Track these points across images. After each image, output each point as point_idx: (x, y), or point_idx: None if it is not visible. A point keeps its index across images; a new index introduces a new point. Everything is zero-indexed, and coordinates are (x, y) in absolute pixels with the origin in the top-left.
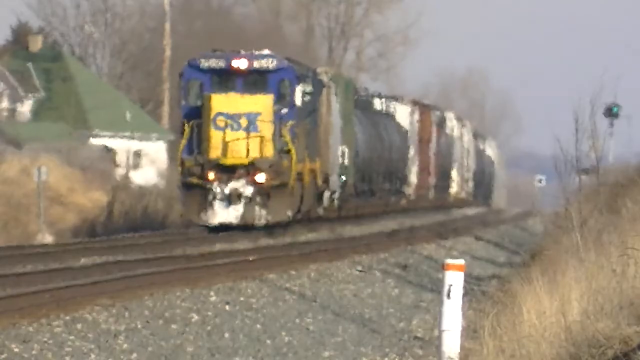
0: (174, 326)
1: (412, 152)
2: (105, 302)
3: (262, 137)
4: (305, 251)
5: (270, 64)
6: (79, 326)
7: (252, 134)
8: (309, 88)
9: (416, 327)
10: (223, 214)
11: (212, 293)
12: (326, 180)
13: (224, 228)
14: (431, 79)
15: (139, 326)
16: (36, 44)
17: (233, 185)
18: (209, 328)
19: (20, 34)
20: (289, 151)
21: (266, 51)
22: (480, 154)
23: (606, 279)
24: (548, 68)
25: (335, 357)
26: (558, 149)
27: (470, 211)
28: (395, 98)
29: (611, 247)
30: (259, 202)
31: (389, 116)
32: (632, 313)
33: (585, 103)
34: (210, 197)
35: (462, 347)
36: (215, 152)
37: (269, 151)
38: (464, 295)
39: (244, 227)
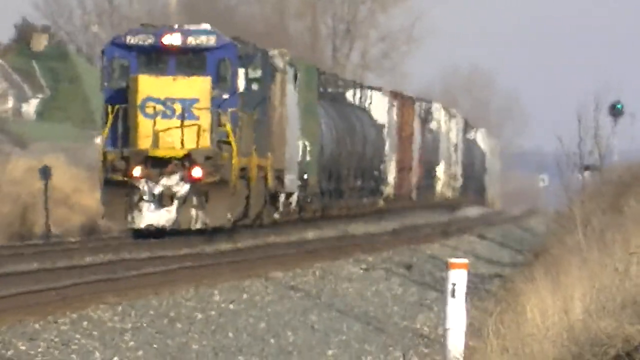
0: (179, 325)
1: (389, 148)
2: (112, 300)
3: (198, 126)
4: (308, 249)
5: (207, 40)
6: (85, 324)
7: (187, 122)
8: (257, 72)
9: (420, 325)
10: (152, 216)
11: (216, 292)
12: (280, 179)
13: (154, 233)
14: (435, 77)
15: (145, 325)
16: (40, 42)
17: (165, 182)
18: (213, 327)
19: (25, 33)
20: (229, 143)
21: (205, 26)
22: (470, 147)
23: (609, 278)
24: (554, 67)
25: (339, 355)
26: (560, 148)
27: (474, 211)
28: (372, 88)
29: (614, 246)
30: (195, 203)
31: (364, 108)
32: (635, 312)
33: (589, 102)
34: (137, 196)
35: (466, 346)
36: (144, 143)
37: (206, 142)
38: (468, 294)
39: (178, 232)
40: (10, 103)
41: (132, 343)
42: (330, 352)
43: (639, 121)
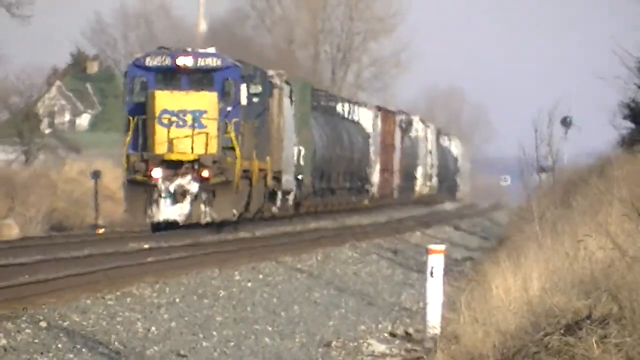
0: (205, 300)
1: (374, 153)
2: (150, 279)
3: (207, 134)
4: (313, 237)
5: (214, 62)
6: (128, 300)
7: (197, 130)
8: (257, 88)
9: (405, 300)
10: (168, 211)
11: (236, 273)
12: (278, 179)
13: (168, 226)
14: (418, 95)
15: (177, 300)
16: (93, 68)
17: (178, 182)
18: (234, 302)
19: (79, 60)
20: (233, 148)
21: (212, 49)
22: (444, 152)
23: (560, 261)
24: (516, 86)
25: (338, 325)
26: (521, 153)
27: (449, 206)
28: (359, 103)
29: (565, 235)
30: (204, 200)
31: (352, 120)
32: (582, 289)
33: (543, 115)
34: (155, 194)
35: (443, 317)
36: (160, 148)
37: (214, 148)
38: (444, 274)
39: (189, 225)
40: (66, 117)
41: (166, 315)
42: (330, 323)
43: (585, 131)
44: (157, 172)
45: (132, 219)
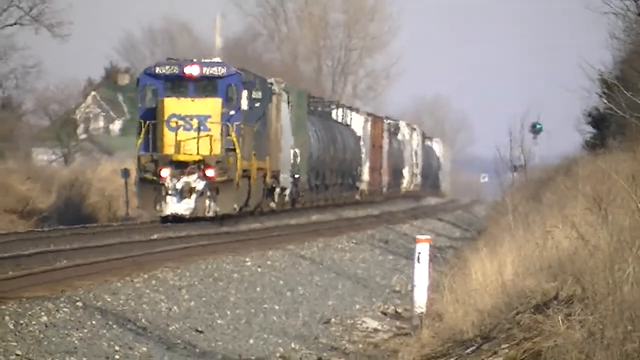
0: (220, 283)
1: (364, 154)
2: (172, 265)
3: (211, 137)
4: (315, 228)
5: (219, 70)
6: (153, 282)
7: (202, 133)
8: (258, 94)
9: (395, 283)
10: (176, 206)
11: (248, 259)
12: (276, 178)
13: (176, 219)
14: (407, 103)
15: (196, 282)
16: (124, 80)
17: (185, 179)
18: (246, 284)
19: (112, 73)
20: (234, 150)
21: (216, 59)
22: (428, 152)
23: (531, 249)
24: (493, 95)
25: (336, 304)
26: (497, 154)
27: (434, 201)
28: (351, 109)
29: (535, 226)
30: (209, 196)
31: (345, 124)
32: (550, 273)
33: (517, 121)
34: (164, 191)
35: (428, 298)
36: (169, 150)
37: (217, 149)
38: (430, 260)
39: (195, 219)
40: (100, 123)
41: (187, 296)
42: (329, 302)
43: (553, 136)
44: (165, 172)
45: (144, 212)
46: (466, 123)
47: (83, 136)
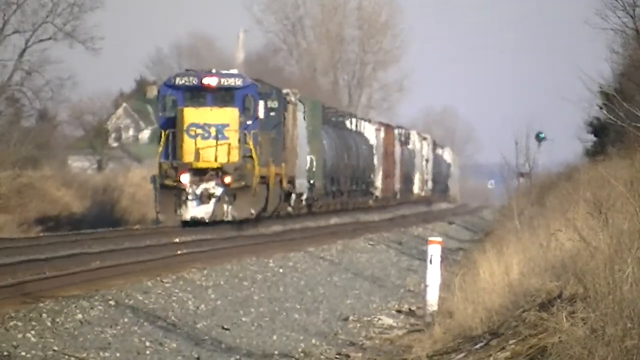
0: (245, 283)
1: (377, 161)
2: (199, 266)
3: (229, 145)
4: (333, 231)
5: (236, 81)
6: (181, 282)
7: (220, 141)
8: (274, 104)
9: (409, 283)
10: (195, 210)
11: (270, 260)
12: (292, 183)
13: (195, 223)
14: (418, 114)
15: (222, 282)
16: (152, 92)
17: (204, 186)
18: (268, 284)
19: (141, 85)
20: (252, 157)
21: (234, 70)
22: (438, 160)
23: (536, 250)
24: (499, 106)
25: (354, 303)
26: (504, 162)
27: (444, 205)
28: (364, 119)
29: (539, 229)
30: (227, 201)
31: (359, 133)
32: (554, 273)
33: (522, 130)
34: (184, 196)
35: (440, 297)
36: (188, 157)
37: (235, 157)
38: (441, 261)
39: (213, 223)
40: (131, 132)
41: (213, 295)
42: (348, 301)
43: (556, 144)
44: (185, 178)
45: (164, 217)
46: (473, 132)
47: (115, 145)
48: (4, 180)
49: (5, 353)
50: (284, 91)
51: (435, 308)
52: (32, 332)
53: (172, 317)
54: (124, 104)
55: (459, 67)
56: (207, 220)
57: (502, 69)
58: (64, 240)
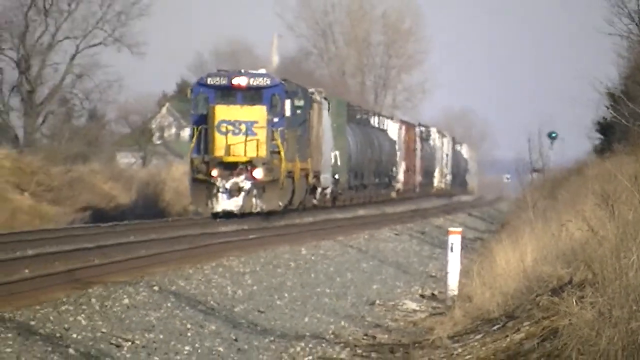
0: (279, 269)
1: (399, 157)
2: (237, 254)
3: (257, 140)
4: (361, 222)
5: (264, 81)
6: (220, 269)
7: (249, 137)
8: (300, 102)
9: (431, 269)
10: (225, 203)
11: (303, 249)
12: (318, 177)
13: (225, 215)
14: (439, 113)
15: (258, 269)
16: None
17: (234, 180)
18: (301, 271)
19: (182, 87)
20: (279, 152)
21: (262, 70)
22: (457, 156)
23: (548, 239)
24: (515, 105)
25: (380, 288)
26: (518, 158)
27: (463, 198)
28: (388, 117)
29: (551, 220)
30: (255, 194)
31: (382, 130)
32: (565, 260)
33: (535, 129)
34: (215, 189)
35: (459, 282)
36: (219, 152)
37: (263, 152)
38: (461, 249)
39: (242, 215)
40: (173, 130)
41: (250, 281)
42: (374, 286)
43: (567, 142)
44: (216, 172)
45: (196, 210)
46: (490, 130)
47: (158, 142)
48: (57, 174)
49: (57, 335)
50: (310, 90)
51: (455, 293)
52: (82, 315)
53: (212, 302)
54: (167, 105)
55: (477, 70)
56: (236, 212)
57: (517, 72)
58: (111, 231)
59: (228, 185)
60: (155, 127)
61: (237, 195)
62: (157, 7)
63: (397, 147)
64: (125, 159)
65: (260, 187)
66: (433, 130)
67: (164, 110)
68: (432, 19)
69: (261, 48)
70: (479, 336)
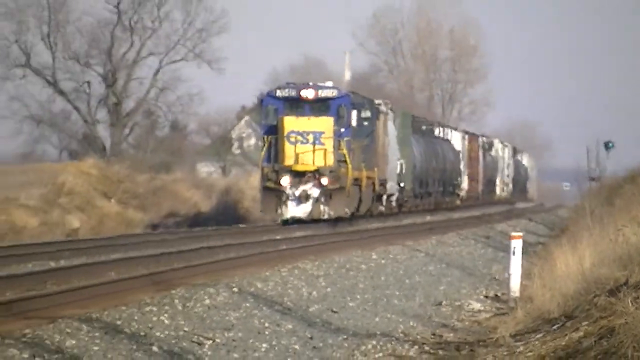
0: (351, 272)
1: (463, 166)
2: (311, 257)
3: (325, 150)
4: (428, 227)
5: (331, 93)
6: (296, 272)
7: (317, 147)
8: (367, 113)
9: (494, 272)
10: (294, 210)
11: (373, 253)
12: (384, 185)
13: (294, 222)
14: (501, 123)
15: (331, 272)
16: None
17: (303, 187)
18: (372, 273)
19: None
20: (345, 161)
21: (329, 83)
22: (517, 164)
23: (605, 244)
24: (574, 116)
25: (447, 289)
26: (577, 167)
27: (523, 205)
28: (451, 128)
29: (609, 225)
30: (323, 201)
31: (446, 141)
32: (621, 264)
33: (593, 140)
34: (284, 197)
35: (521, 284)
36: (288, 161)
37: (331, 161)
38: (523, 253)
39: (311, 221)
40: (252, 141)
41: (323, 283)
42: (441, 288)
43: (622, 152)
44: (285, 180)
45: (267, 216)
46: (549, 140)
47: (237, 152)
48: (141, 182)
49: (142, 333)
50: (376, 102)
51: (517, 294)
52: (165, 315)
53: (288, 302)
54: (246, 117)
55: (538, 82)
56: (305, 219)
57: (576, 84)
58: (193, 235)
59: (297, 192)
60: (234, 138)
61: (306, 202)
62: (236, 24)
63: (460, 156)
64: (206, 169)
65: (327, 194)
66: (495, 141)
67: (242, 122)
68: (496, 36)
69: (334, 64)
70: (539, 335)
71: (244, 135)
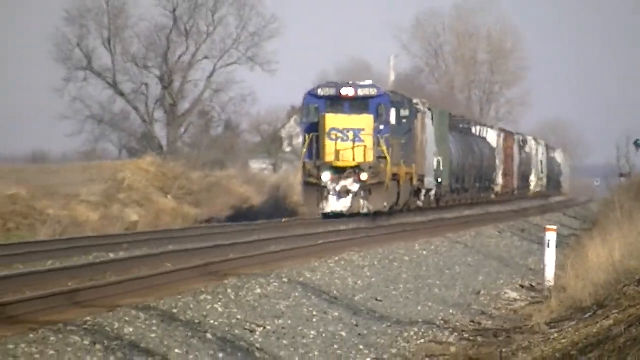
0: (395, 263)
1: (498, 162)
2: (356, 249)
3: (364, 147)
4: (467, 221)
5: (370, 92)
6: (342, 263)
7: (357, 144)
8: (406, 112)
9: (531, 263)
10: (335, 204)
11: (416, 245)
12: (422, 181)
13: (335, 215)
14: (535, 121)
15: (376, 263)
16: None
17: (343, 183)
18: (414, 264)
19: None
20: (385, 157)
21: (368, 82)
22: (551, 161)
23: (635, 237)
24: (605, 114)
25: (485, 279)
26: (608, 164)
27: (558, 199)
28: (487, 125)
29: (638, 220)
30: (363, 196)
31: (482, 138)
32: None
33: (622, 138)
34: (326, 192)
35: (555, 274)
36: (329, 157)
37: (370, 157)
38: (557, 245)
39: (351, 215)
40: (301, 139)
41: (368, 273)
42: (480, 278)
43: None
44: (326, 176)
45: (309, 211)
46: (581, 137)
47: (288, 149)
48: (196, 179)
49: (196, 321)
50: (415, 101)
51: (551, 284)
52: (219, 303)
53: (335, 291)
54: (295, 116)
55: (571, 81)
56: (345, 213)
57: (607, 84)
58: (245, 229)
59: (338, 188)
60: (284, 136)
61: (346, 197)
62: (288, 28)
63: (496, 153)
64: (257, 165)
65: (367, 189)
66: (529, 138)
67: (292, 121)
68: (532, 39)
69: (379, 66)
70: (572, 323)
71: (293, 133)
